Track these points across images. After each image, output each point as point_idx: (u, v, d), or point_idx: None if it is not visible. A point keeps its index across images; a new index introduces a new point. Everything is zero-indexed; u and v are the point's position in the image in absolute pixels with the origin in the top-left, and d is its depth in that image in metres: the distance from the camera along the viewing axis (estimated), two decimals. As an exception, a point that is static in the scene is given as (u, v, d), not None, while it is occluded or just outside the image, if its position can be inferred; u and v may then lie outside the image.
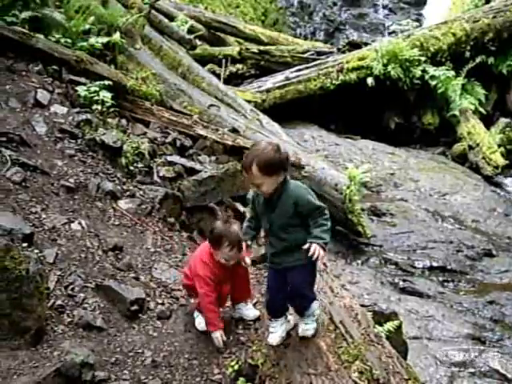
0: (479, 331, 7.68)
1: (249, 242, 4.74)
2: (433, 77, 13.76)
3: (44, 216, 6.05)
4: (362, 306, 5.78)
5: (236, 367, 4.69)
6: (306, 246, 4.38)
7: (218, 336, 4.95)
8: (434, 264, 9.29)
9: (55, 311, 5.13)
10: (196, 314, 5.25)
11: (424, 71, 13.78)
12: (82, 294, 5.36)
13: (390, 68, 13.55)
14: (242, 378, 4.57)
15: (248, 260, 4.93)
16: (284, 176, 4.45)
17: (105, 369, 4.68)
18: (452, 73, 13.78)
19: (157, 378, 4.72)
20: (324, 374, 4.36)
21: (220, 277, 4.99)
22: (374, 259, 9.31)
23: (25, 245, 5.35)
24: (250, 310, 5.29)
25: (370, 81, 13.60)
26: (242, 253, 4.85)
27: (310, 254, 4.33)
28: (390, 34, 17.99)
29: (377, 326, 5.31)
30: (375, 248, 9.61)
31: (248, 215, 4.79)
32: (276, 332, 4.79)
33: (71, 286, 5.39)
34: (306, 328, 4.74)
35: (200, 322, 5.18)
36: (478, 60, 14.05)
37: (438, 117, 14.27)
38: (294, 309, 4.84)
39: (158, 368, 4.80)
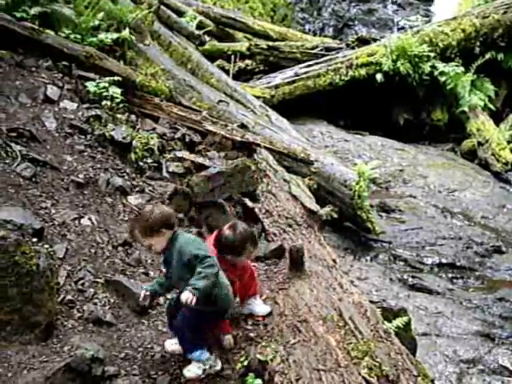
0: (488, 328, 7.68)
1: (147, 294, 4.76)
2: (442, 73, 13.73)
3: (54, 211, 6.07)
4: (371, 302, 5.78)
5: (245, 363, 4.68)
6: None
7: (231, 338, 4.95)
8: (443, 260, 9.30)
9: (65, 306, 5.15)
10: None
11: (433, 67, 13.75)
12: (91, 289, 5.38)
13: (399, 64, 13.53)
14: (251, 374, 4.56)
15: None
16: (172, 232, 4.62)
17: (115, 364, 4.69)
18: (461, 69, 13.75)
19: (166, 374, 4.72)
20: (333, 370, 4.36)
21: (228, 274, 4.98)
22: (382, 256, 9.32)
23: (35, 240, 5.38)
24: (260, 306, 5.28)
25: (379, 77, 13.58)
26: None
27: (181, 300, 4.39)
28: (399, 29, 17.95)
29: (386, 322, 5.31)
30: (384, 244, 9.61)
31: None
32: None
33: (81, 281, 5.41)
34: (188, 369, 4.71)
35: None
36: (487, 56, 14.02)
37: (447, 113, 14.24)
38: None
39: (167, 363, 4.81)
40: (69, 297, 5.22)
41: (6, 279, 4.67)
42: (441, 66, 13.76)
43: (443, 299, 8.26)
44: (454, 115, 14.09)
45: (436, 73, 13.75)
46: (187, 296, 4.35)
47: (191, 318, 4.61)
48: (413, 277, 8.78)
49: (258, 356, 4.65)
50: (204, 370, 4.67)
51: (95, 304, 5.26)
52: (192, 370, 4.68)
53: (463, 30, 14.22)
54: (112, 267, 5.73)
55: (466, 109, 13.77)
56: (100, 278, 5.52)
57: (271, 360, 4.59)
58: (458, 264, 9.22)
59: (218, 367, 4.72)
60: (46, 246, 5.46)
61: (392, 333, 5.09)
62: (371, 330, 4.88)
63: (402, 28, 17.35)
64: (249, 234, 5.03)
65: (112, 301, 5.34)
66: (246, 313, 5.26)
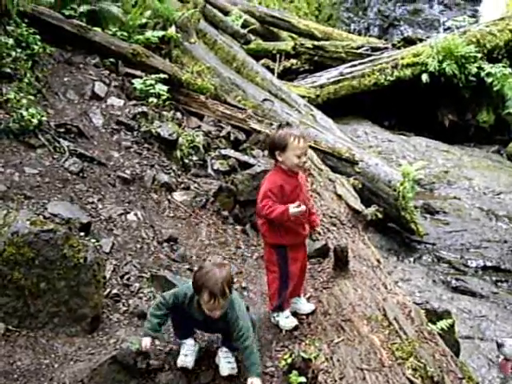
0: (533, 332, 7.56)
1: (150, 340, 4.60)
2: (489, 74, 13.53)
3: (100, 206, 6.16)
4: (414, 303, 5.73)
5: (289, 360, 4.68)
6: None
7: (293, 209, 4.78)
8: (488, 263, 9.16)
9: (111, 300, 5.22)
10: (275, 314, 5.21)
11: (480, 68, 13.56)
12: (137, 284, 5.44)
13: (445, 65, 13.37)
14: (294, 371, 4.56)
15: None
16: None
17: (159, 358, 4.72)
18: (509, 70, 13.53)
19: (210, 369, 4.75)
20: (378, 370, 4.34)
21: None
22: (426, 257, 9.23)
23: (82, 234, 5.45)
24: (305, 305, 5.28)
25: (424, 77, 13.45)
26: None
27: None
28: (445, 30, 17.75)
29: (430, 324, 5.26)
30: (428, 246, 9.52)
31: (161, 309, 4.57)
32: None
33: (127, 276, 5.48)
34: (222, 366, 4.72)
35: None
36: (535, 57, 13.79)
37: (493, 115, 14.04)
38: None
39: (211, 358, 4.82)
40: (114, 291, 5.29)
41: (54, 272, 4.75)
42: (488, 67, 13.56)
43: (487, 302, 8.14)
44: (501, 117, 13.88)
45: (483, 74, 13.56)
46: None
47: None
48: (456, 279, 8.67)
49: (302, 354, 4.65)
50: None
51: (140, 298, 5.33)
52: (229, 367, 4.71)
53: (511, 31, 14.02)
54: (157, 262, 5.78)
55: (512, 110, 13.58)
56: (145, 273, 5.58)
57: (315, 358, 4.58)
58: (503, 267, 9.07)
59: None
60: (93, 240, 5.54)
61: (436, 334, 5.04)
62: (416, 331, 4.83)
63: (449, 28, 17.12)
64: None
65: (157, 295, 5.38)
66: (291, 311, 5.22)
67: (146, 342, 4.52)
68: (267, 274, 5.20)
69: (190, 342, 4.77)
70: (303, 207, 4.83)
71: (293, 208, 4.78)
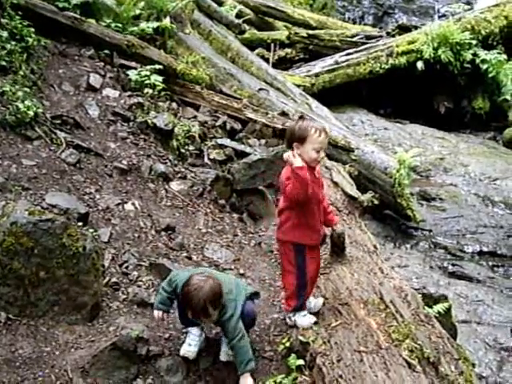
0: (530, 317, 7.62)
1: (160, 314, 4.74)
2: (484, 60, 13.53)
3: (98, 196, 6.20)
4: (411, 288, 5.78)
5: (287, 344, 4.75)
6: None
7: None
8: (484, 249, 9.22)
9: (110, 288, 5.28)
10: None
11: (475, 55, 13.55)
12: (136, 272, 5.50)
13: (440, 52, 13.36)
14: (293, 355, 4.62)
15: None
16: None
17: (159, 344, 4.79)
18: (504, 56, 13.52)
19: (210, 355, 4.81)
20: (375, 352, 4.38)
21: None
22: (423, 243, 9.28)
23: (80, 224, 5.48)
24: (314, 301, 5.14)
25: (419, 65, 13.45)
26: None
27: None
28: (440, 17, 17.72)
29: (426, 307, 5.31)
30: (424, 232, 9.57)
31: (168, 287, 4.68)
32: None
33: (125, 265, 5.53)
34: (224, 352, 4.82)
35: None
36: (531, 43, 13.79)
37: (488, 101, 14.04)
38: None
39: (210, 344, 4.88)
40: (114, 279, 5.35)
41: (53, 261, 4.80)
42: (483, 53, 13.55)
43: (484, 287, 8.20)
44: (496, 103, 13.87)
45: (478, 61, 13.55)
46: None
47: None
48: (453, 265, 8.73)
49: (300, 338, 4.70)
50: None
51: (139, 286, 5.38)
52: (228, 353, 4.77)
53: (506, 17, 14.01)
54: (155, 251, 5.83)
55: (508, 97, 13.54)
56: (144, 262, 5.63)
57: (313, 341, 4.63)
58: (499, 252, 9.13)
59: None
60: (91, 230, 5.57)
61: (433, 317, 5.09)
62: (412, 314, 4.88)
63: (443, 15, 17.14)
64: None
65: (156, 283, 5.44)
66: None
67: (158, 314, 4.68)
68: (284, 274, 5.02)
69: (195, 331, 4.83)
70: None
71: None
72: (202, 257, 5.98)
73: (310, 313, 5.02)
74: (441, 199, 10.60)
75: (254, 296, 4.93)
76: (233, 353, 4.60)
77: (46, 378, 4.38)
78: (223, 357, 4.76)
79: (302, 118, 4.89)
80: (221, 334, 4.84)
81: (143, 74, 8.31)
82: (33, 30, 7.69)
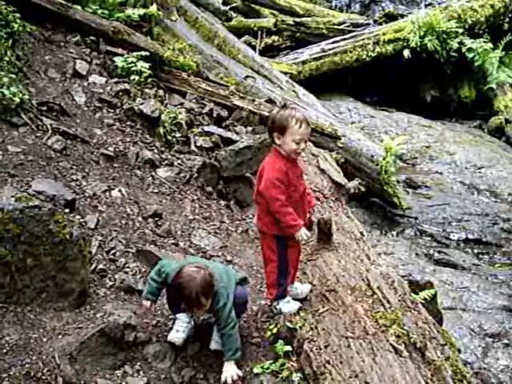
0: (514, 303, 7.69)
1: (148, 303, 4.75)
2: (470, 49, 13.60)
3: (85, 183, 6.17)
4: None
5: (274, 330, 4.76)
6: None
7: (303, 234, 4.75)
8: (470, 236, 9.28)
9: (97, 275, 5.26)
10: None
11: (461, 43, 13.62)
12: (123, 259, 5.48)
13: (426, 40, 13.43)
14: (280, 341, 4.64)
15: None
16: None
17: (146, 330, 4.80)
18: (490, 45, 13.60)
19: (197, 341, 4.82)
20: (362, 338, 4.41)
21: None
22: (409, 231, 9.33)
23: (67, 211, 5.46)
24: (301, 287, 5.15)
25: (406, 53, 13.50)
26: None
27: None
28: (426, 5, 17.67)
29: (412, 294, 5.35)
30: (410, 220, 9.62)
31: (157, 277, 4.69)
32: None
33: (113, 251, 5.52)
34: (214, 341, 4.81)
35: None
36: (516, 32, 13.84)
37: (474, 90, 14.13)
38: None
39: (199, 331, 4.89)
40: (101, 266, 5.33)
41: (40, 247, 4.77)
42: (469, 42, 13.62)
43: (469, 274, 8.25)
44: (482, 92, 13.96)
45: (464, 49, 13.62)
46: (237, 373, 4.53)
47: None
48: (439, 252, 8.78)
49: (288, 324, 4.73)
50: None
51: (126, 273, 5.37)
52: (217, 342, 4.77)
53: (492, 6, 14.09)
54: (142, 238, 5.83)
55: (493, 85, 13.65)
56: (131, 248, 5.62)
57: (300, 328, 4.66)
58: (484, 240, 9.20)
59: None
60: (78, 216, 5.56)
61: (419, 303, 5.13)
62: (399, 300, 4.91)
63: (430, 4, 17.12)
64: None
65: (143, 270, 5.44)
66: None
67: (146, 304, 4.71)
68: (265, 262, 5.00)
69: (183, 317, 4.83)
70: (309, 235, 4.82)
71: (304, 231, 4.72)
72: (189, 243, 5.98)
73: (297, 299, 5.04)
74: (427, 187, 10.66)
75: (243, 282, 4.94)
76: (222, 340, 4.61)
77: (34, 364, 4.36)
78: (213, 345, 4.77)
79: (284, 106, 4.81)
80: (211, 321, 4.85)
81: (130, 60, 8.26)
82: (18, 15, 7.61)
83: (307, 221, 5.07)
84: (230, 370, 4.52)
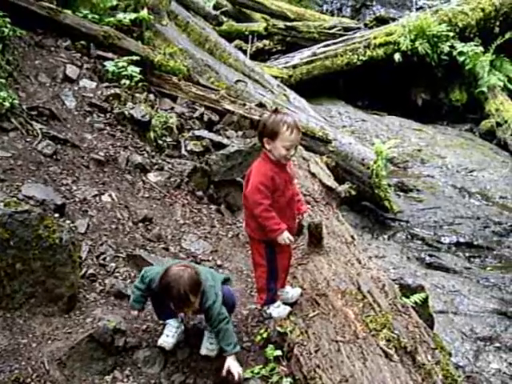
0: (506, 306, 7.69)
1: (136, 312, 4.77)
2: (461, 53, 13.65)
3: (75, 188, 6.16)
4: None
5: (265, 335, 4.75)
6: None
7: (285, 237, 4.72)
8: (461, 240, 9.30)
9: (87, 280, 5.24)
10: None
11: (452, 47, 13.67)
12: (113, 264, 5.47)
13: (417, 44, 13.47)
14: (270, 345, 4.64)
15: None
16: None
17: (136, 335, 4.78)
18: (480, 49, 13.65)
19: (187, 346, 4.81)
20: (352, 342, 4.41)
21: None
22: (400, 234, 9.34)
23: (57, 215, 5.46)
24: (291, 292, 5.13)
25: (397, 57, 13.53)
26: None
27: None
28: (417, 9, 17.74)
29: (403, 298, 5.34)
30: (402, 223, 9.63)
31: (140, 284, 4.68)
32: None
33: (103, 256, 5.50)
34: (205, 347, 4.79)
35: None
36: (507, 36, 13.87)
37: (465, 93, 14.17)
38: None
39: (188, 336, 4.88)
40: (91, 271, 5.32)
41: (29, 252, 4.75)
42: (459, 45, 13.67)
43: (460, 278, 8.26)
44: (473, 95, 14.01)
45: (455, 53, 13.66)
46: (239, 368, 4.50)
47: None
48: (430, 255, 8.79)
49: (278, 328, 4.72)
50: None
51: (116, 278, 5.36)
52: (208, 348, 4.76)
53: (483, 10, 14.13)
54: (132, 242, 5.81)
55: (484, 89, 13.69)
56: (121, 253, 5.61)
57: (290, 332, 4.65)
58: (476, 243, 9.22)
59: None
60: (68, 221, 5.55)
61: (410, 307, 5.13)
62: (389, 304, 4.91)
63: (421, 8, 17.19)
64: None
65: (133, 275, 5.42)
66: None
67: (133, 312, 4.76)
68: (254, 267, 5.00)
69: (173, 322, 4.81)
70: (292, 239, 4.79)
71: (286, 235, 4.69)
72: (179, 248, 5.97)
73: (288, 303, 5.02)
74: (418, 190, 10.69)
75: (226, 282, 4.93)
76: (218, 337, 4.58)
77: (23, 370, 4.34)
78: (203, 350, 4.75)
79: (276, 111, 4.78)
80: (202, 327, 4.84)
81: (120, 65, 8.24)
82: (8, 20, 7.58)
83: (296, 225, 5.07)
84: (233, 366, 4.49)
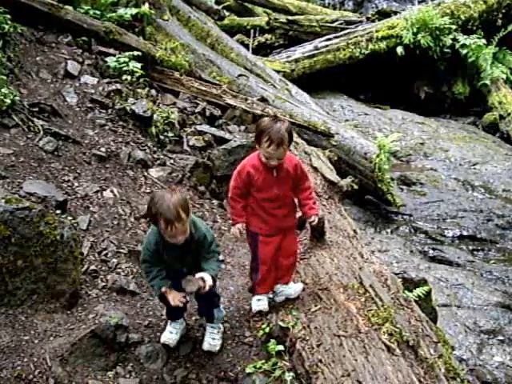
0: (509, 299, 7.69)
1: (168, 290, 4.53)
2: (463, 45, 13.61)
3: (76, 184, 6.14)
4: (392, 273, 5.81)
5: (267, 330, 4.76)
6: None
7: (235, 231, 4.84)
8: (464, 233, 9.29)
9: (89, 276, 5.24)
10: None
11: (454, 40, 13.63)
12: (115, 260, 5.47)
13: (419, 37, 13.42)
14: (272, 340, 4.63)
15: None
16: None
17: (138, 331, 4.79)
18: (483, 41, 13.61)
19: (189, 342, 4.81)
20: (354, 336, 4.41)
21: None
22: (403, 228, 9.33)
23: (58, 212, 5.44)
24: (292, 287, 5.10)
25: (399, 50, 13.49)
26: None
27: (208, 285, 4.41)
28: (420, 2, 17.72)
29: (406, 291, 5.34)
30: (405, 217, 9.63)
31: (153, 270, 4.52)
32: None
33: (104, 252, 5.50)
34: (208, 342, 4.79)
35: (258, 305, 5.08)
36: (510, 28, 13.84)
37: (468, 86, 14.13)
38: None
39: (190, 331, 4.89)
40: (92, 267, 5.31)
41: (31, 249, 4.75)
42: (462, 38, 13.63)
43: (464, 271, 8.26)
44: (476, 88, 13.97)
45: (457, 45, 13.63)
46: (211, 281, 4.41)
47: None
48: (433, 249, 8.78)
49: (280, 323, 4.72)
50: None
51: (118, 274, 5.35)
52: (210, 343, 4.77)
53: (485, 2, 14.08)
54: (134, 238, 5.80)
55: (487, 82, 13.65)
56: (123, 249, 5.60)
57: (292, 327, 4.65)
58: (479, 236, 9.21)
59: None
60: (70, 217, 5.53)
61: (412, 301, 5.13)
62: (391, 298, 4.92)
63: (423, 1, 17.12)
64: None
65: (135, 270, 5.43)
66: (281, 300, 5.08)
67: (177, 301, 4.47)
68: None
69: (179, 320, 4.83)
70: (238, 237, 4.91)
71: (235, 230, 4.82)
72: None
73: (290, 298, 5.05)
74: (421, 184, 10.67)
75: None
76: (204, 262, 4.48)
77: (25, 366, 4.35)
78: (206, 346, 4.76)
79: (275, 118, 4.77)
80: (204, 324, 4.84)
81: (122, 60, 8.23)
82: (9, 16, 7.58)
83: (297, 221, 5.11)
84: (208, 279, 4.40)
